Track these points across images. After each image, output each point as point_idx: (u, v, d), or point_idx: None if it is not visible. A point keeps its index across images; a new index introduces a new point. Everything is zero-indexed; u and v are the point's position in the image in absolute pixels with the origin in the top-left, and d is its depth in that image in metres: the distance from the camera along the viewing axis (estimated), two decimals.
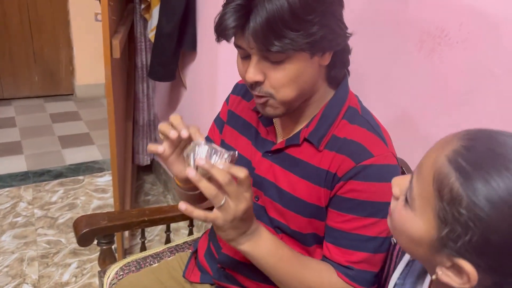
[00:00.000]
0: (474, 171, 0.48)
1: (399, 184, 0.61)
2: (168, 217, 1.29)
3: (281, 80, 0.75)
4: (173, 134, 0.74)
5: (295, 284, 0.80)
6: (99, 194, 2.48)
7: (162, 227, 2.14)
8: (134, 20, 2.09)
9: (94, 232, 1.16)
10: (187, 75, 2.10)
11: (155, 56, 1.97)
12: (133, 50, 2.21)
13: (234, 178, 0.69)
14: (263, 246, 0.77)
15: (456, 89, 0.90)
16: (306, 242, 0.88)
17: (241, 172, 0.68)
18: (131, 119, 2.34)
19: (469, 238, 0.49)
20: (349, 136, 0.80)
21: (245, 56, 0.78)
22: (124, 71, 2.16)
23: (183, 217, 1.31)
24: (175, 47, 1.91)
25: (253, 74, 0.75)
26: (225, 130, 1.01)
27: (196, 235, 1.39)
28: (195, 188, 0.77)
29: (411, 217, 0.56)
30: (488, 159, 0.49)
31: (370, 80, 1.10)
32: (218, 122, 1.04)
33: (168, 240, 1.38)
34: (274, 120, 0.90)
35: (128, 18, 2.02)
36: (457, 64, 0.89)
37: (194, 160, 0.70)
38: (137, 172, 2.61)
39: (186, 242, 1.34)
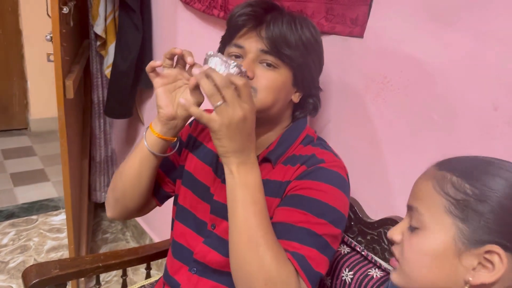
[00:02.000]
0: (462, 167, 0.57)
1: (398, 229, 0.62)
2: (124, 262, 1.25)
3: (270, 80, 0.83)
4: (190, 59, 0.80)
5: (253, 242, 0.71)
6: (53, 234, 2.38)
7: None
8: (90, 56, 2.07)
9: (45, 283, 1.11)
10: (145, 111, 2.09)
11: (111, 93, 1.94)
12: (89, 86, 2.17)
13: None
14: (251, 178, 0.74)
15: (400, 131, 0.95)
16: None
17: (240, 80, 0.70)
18: (87, 156, 2.28)
19: (485, 217, 0.52)
20: (303, 153, 0.87)
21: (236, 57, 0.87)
22: (80, 108, 2.12)
23: (140, 260, 1.28)
24: (131, 85, 1.89)
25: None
26: (184, 155, 1.01)
27: (153, 278, 1.35)
28: (164, 147, 0.88)
29: (426, 236, 0.57)
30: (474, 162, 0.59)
31: (321, 121, 1.13)
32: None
33: (124, 286, 1.33)
34: None
35: (84, 55, 1.99)
36: (400, 108, 0.94)
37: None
38: (95, 209, 2.53)
39: (143, 286, 1.31)
